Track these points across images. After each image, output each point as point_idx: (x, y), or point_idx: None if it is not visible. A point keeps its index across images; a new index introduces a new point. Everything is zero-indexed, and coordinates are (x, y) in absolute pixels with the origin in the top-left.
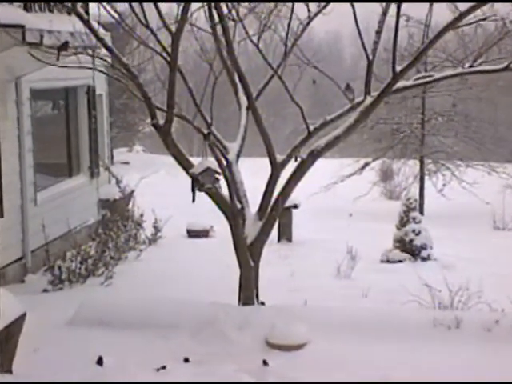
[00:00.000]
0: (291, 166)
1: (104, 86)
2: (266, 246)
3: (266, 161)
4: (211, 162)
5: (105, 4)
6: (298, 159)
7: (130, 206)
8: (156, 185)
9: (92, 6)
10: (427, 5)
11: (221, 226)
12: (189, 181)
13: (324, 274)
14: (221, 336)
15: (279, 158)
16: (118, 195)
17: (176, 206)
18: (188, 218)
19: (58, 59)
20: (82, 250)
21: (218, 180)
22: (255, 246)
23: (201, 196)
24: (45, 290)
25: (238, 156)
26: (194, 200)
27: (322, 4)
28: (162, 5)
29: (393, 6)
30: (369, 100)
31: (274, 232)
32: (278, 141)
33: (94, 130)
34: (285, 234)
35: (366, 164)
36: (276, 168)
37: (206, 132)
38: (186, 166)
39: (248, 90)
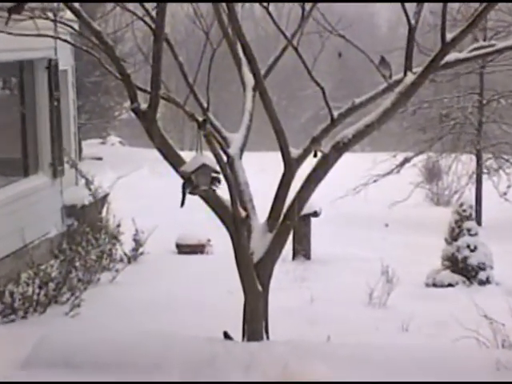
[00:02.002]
0: (309, 163)
1: (69, 60)
2: (277, 265)
3: (278, 156)
4: (207, 158)
5: None
6: (319, 154)
7: (104, 213)
8: (137, 186)
9: None
10: None
11: (220, 238)
12: (179, 181)
13: (352, 301)
14: (221, 379)
15: (294, 152)
16: (88, 200)
17: (163, 214)
18: (178, 228)
19: (7, 23)
20: (41, 271)
21: (216, 180)
22: (264, 264)
23: (194, 200)
24: None
25: (241, 150)
26: (182, 204)
27: None
28: None
29: None
30: (410, 77)
31: (288, 247)
32: (293, 130)
33: (56, 117)
34: (301, 250)
35: (407, 160)
36: (290, 165)
37: (200, 119)
38: (175, 162)
39: (255, 66)
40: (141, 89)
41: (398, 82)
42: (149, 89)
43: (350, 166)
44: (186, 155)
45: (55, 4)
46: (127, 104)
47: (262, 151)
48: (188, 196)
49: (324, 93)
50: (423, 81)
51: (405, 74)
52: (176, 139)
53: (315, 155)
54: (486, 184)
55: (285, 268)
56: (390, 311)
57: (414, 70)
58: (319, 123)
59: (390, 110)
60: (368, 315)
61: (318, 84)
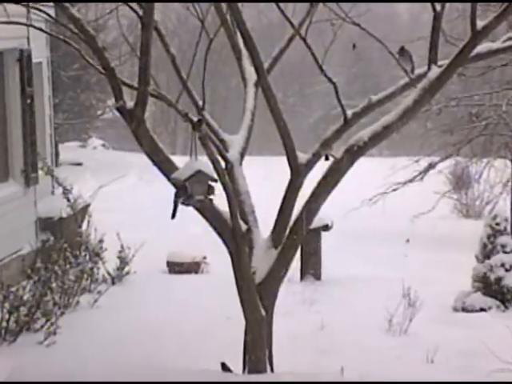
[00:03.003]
0: (320, 169)
1: (45, 51)
2: (283, 286)
3: (283, 161)
4: (203, 164)
5: None
6: (330, 159)
7: (84, 227)
8: (122, 196)
9: None
10: None
11: (217, 256)
12: (171, 190)
13: (369, 327)
14: None
15: (302, 156)
16: (66, 211)
17: (152, 227)
18: (169, 244)
19: None
20: (10, 293)
21: (213, 189)
22: (268, 285)
23: (188, 212)
24: None
25: (242, 154)
26: (173, 216)
27: None
28: None
29: None
30: (435, 71)
31: (295, 265)
32: (301, 132)
33: (29, 116)
34: (310, 269)
35: (431, 166)
36: (297, 172)
37: (195, 119)
38: (166, 168)
39: (257, 58)
40: (127, 84)
41: (421, 76)
42: (136, 84)
43: (366, 173)
44: (179, 160)
45: None
46: (111, 102)
47: (265, 156)
48: (181, 207)
49: (336, 89)
50: (450, 75)
51: (429, 68)
52: (167, 142)
53: (326, 160)
54: None
55: (291, 289)
56: (412, 339)
57: (440, 62)
58: (330, 124)
59: (411, 108)
60: (387, 344)
61: (329, 79)
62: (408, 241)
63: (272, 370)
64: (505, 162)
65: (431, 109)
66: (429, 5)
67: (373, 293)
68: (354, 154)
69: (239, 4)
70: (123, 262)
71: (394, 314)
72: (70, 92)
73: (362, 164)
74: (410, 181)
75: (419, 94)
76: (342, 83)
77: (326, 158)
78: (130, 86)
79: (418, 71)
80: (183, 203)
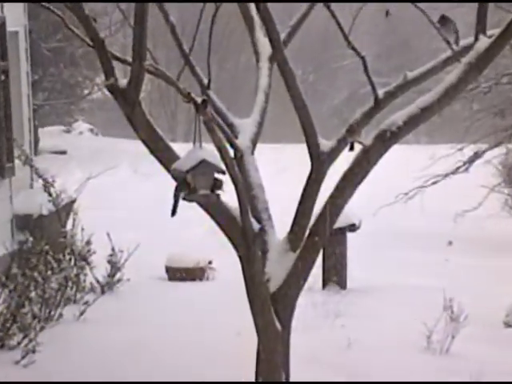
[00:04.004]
0: (345, 159)
1: (21, 19)
2: (302, 296)
3: (303, 149)
4: (208, 152)
5: None
6: (358, 147)
7: (69, 226)
8: (114, 190)
9: None
10: None
11: (225, 260)
12: (170, 183)
13: (404, 345)
14: None
15: (325, 144)
16: (48, 208)
17: (148, 227)
18: (169, 246)
19: None
20: None
21: (220, 182)
22: (284, 295)
23: (191, 209)
24: None
25: (254, 141)
26: (173, 213)
27: None
28: None
29: None
30: (484, 43)
31: (316, 271)
32: (324, 115)
33: (3, 96)
34: (334, 276)
35: (477, 155)
36: (319, 162)
37: (199, 100)
38: (165, 158)
39: (272, 29)
40: (119, 59)
41: (467, 48)
42: (129, 59)
43: (401, 164)
44: (180, 149)
45: None
46: (100, 79)
47: (281, 143)
48: (182, 204)
49: (365, 64)
50: (502, 47)
51: (476, 38)
52: (166, 128)
53: (352, 148)
54: None
55: (312, 300)
56: (455, 360)
57: (489, 32)
58: (358, 105)
59: (455, 86)
60: (425, 365)
61: (356, 52)
62: (450, 243)
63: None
64: None
65: (479, 87)
66: None
67: (408, 304)
68: (386, 140)
69: None
70: (114, 267)
71: (434, 330)
72: (51, 67)
73: (396, 153)
74: (453, 173)
75: (464, 69)
76: (373, 57)
77: (351, 147)
78: (123, 61)
79: (462, 42)
80: (185, 199)
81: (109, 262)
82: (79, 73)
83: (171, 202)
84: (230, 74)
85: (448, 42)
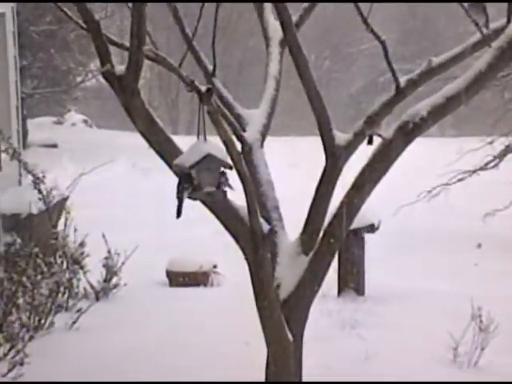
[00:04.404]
0: (363, 153)
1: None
2: (315, 304)
3: (317, 143)
4: (214, 146)
5: None
6: (377, 140)
7: (60, 226)
8: (110, 187)
9: None
10: None
11: (231, 263)
12: (172, 180)
13: (428, 357)
14: None
15: (341, 137)
16: (37, 207)
17: (147, 228)
18: (170, 249)
19: None
20: None
21: (226, 178)
22: (296, 302)
23: (195, 208)
24: None
25: (263, 134)
26: (179, 215)
27: None
28: None
29: None
30: None
31: (332, 277)
32: (339, 105)
33: None
34: (351, 281)
35: (509, 148)
36: (335, 156)
37: (203, 88)
38: (166, 152)
39: (283, 10)
40: (115, 43)
41: (498, 32)
42: (127, 43)
43: (424, 158)
44: (183, 142)
45: None
46: (95, 65)
47: (292, 136)
48: (186, 202)
49: (385, 49)
50: None
51: (508, 21)
52: (167, 119)
53: (370, 142)
54: None
55: (326, 308)
56: (484, 374)
57: None
58: (377, 94)
59: (484, 74)
60: (451, 380)
61: (376, 36)
62: (479, 246)
63: None
64: None
65: (511, 74)
66: None
67: (432, 313)
68: (408, 133)
69: None
70: (110, 271)
71: (461, 341)
72: (41, 52)
73: (419, 146)
74: (482, 168)
75: (495, 54)
76: (394, 42)
77: (370, 141)
78: (120, 46)
79: (493, 25)
80: (189, 197)
81: (104, 265)
82: (72, 58)
83: (173, 200)
84: (237, 60)
85: (477, 25)
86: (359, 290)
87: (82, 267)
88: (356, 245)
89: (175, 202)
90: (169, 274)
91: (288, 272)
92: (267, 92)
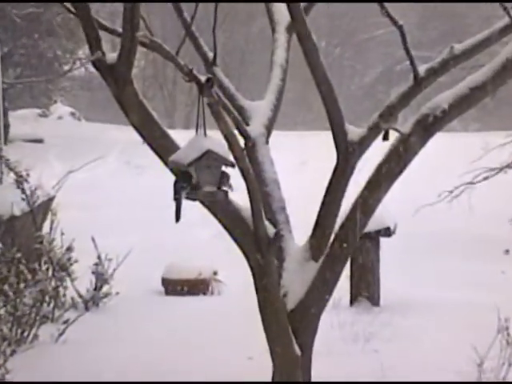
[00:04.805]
0: (378, 150)
1: None
2: (325, 314)
3: (327, 137)
4: (214, 142)
5: None
6: (394, 135)
7: (46, 229)
8: (101, 186)
9: None
10: None
11: (233, 270)
12: (169, 178)
13: (449, 373)
14: None
15: (354, 131)
16: (20, 208)
17: (141, 230)
18: (166, 254)
19: None
20: None
21: (227, 177)
22: (304, 313)
23: (193, 209)
24: None
25: (268, 128)
26: (178, 218)
27: None
28: None
29: None
30: None
31: (344, 285)
32: (353, 96)
33: None
34: (365, 290)
35: None
36: (347, 152)
37: (203, 78)
38: (162, 147)
39: None
40: (107, 28)
41: None
42: (119, 29)
43: (445, 155)
44: (180, 137)
45: None
46: (84, 53)
47: (300, 130)
48: (184, 202)
49: (403, 35)
50: None
51: None
52: (163, 111)
53: (386, 137)
54: None
55: (338, 319)
56: None
57: None
58: (393, 84)
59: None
60: None
61: (393, 21)
62: (507, 252)
63: None
64: None
65: None
66: None
67: (454, 325)
68: (428, 127)
69: None
70: (101, 279)
71: (486, 356)
72: (24, 38)
73: (439, 142)
74: (509, 166)
75: None
76: (412, 26)
77: (385, 136)
78: (111, 31)
79: None
80: (187, 197)
81: (94, 272)
82: (58, 45)
83: (170, 200)
84: (240, 47)
85: (505, 8)
86: (374, 300)
87: (69, 274)
88: (370, 250)
89: (172, 203)
90: (165, 281)
91: (295, 279)
92: (273, 82)
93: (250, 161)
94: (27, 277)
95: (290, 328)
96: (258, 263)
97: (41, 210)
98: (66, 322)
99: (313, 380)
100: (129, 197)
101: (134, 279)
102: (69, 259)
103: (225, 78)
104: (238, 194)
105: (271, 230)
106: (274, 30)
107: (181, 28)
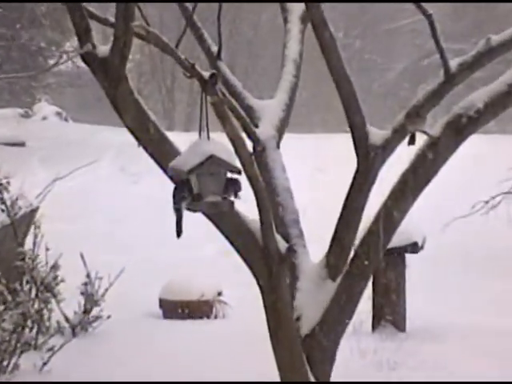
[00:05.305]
0: (404, 154)
1: None
2: (344, 340)
3: (346, 141)
4: (218, 146)
5: None
6: (422, 138)
7: (28, 245)
8: (91, 196)
9: None
10: None
11: (240, 289)
12: (168, 187)
13: None
14: None
15: (376, 134)
16: (0, 220)
17: (138, 245)
18: (164, 272)
19: None
20: None
21: (234, 186)
22: (320, 339)
23: (195, 221)
24: None
25: (280, 131)
26: (179, 233)
27: None
28: None
29: None
30: None
31: (365, 307)
32: (374, 93)
33: None
34: (389, 313)
35: None
36: (368, 158)
37: (206, 74)
38: (159, 151)
39: None
40: (98, 18)
41: None
42: (112, 18)
43: (481, 160)
44: (180, 140)
45: None
46: (72, 45)
47: (316, 133)
48: (186, 214)
49: (432, 25)
50: None
51: None
52: (161, 112)
53: (413, 140)
54: None
55: (358, 346)
56: None
57: None
58: (421, 81)
59: None
60: None
61: (421, 9)
62: None
63: None
64: None
65: None
66: None
67: (489, 354)
68: (460, 129)
69: None
70: (90, 300)
71: None
72: (4, 28)
73: (473, 146)
74: None
75: None
76: (443, 16)
77: (412, 140)
78: (103, 21)
79: None
80: (188, 208)
81: (83, 293)
82: (42, 36)
83: (169, 211)
84: (248, 39)
85: None
86: (399, 324)
87: (54, 295)
88: (395, 268)
89: (172, 215)
90: (163, 303)
91: (311, 301)
92: (285, 78)
93: (259, 167)
94: (7, 298)
95: (304, 356)
96: (269, 283)
97: (23, 222)
98: (50, 349)
99: None
100: (123, 208)
101: (128, 301)
102: (54, 278)
103: (231, 73)
104: (246, 205)
105: (283, 245)
106: (286, 20)
107: (181, 17)
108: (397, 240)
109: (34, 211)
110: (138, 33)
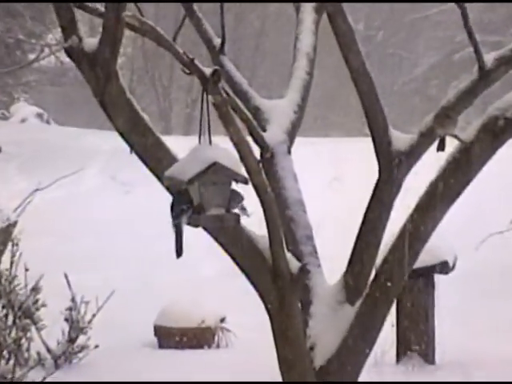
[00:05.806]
0: (432, 162)
1: None
2: (365, 373)
3: (365, 147)
4: (222, 152)
5: None
6: (453, 143)
7: (5, 264)
8: (76, 208)
9: None
10: None
11: (245, 316)
12: (165, 199)
13: None
14: None
15: (400, 138)
16: None
17: (130, 265)
18: (160, 295)
19: None
20: None
21: (239, 197)
22: (337, 371)
23: (196, 236)
24: None
25: (291, 135)
26: (179, 253)
27: None
28: None
29: None
30: None
31: (388, 335)
32: (398, 92)
33: None
34: (416, 342)
35: None
36: (391, 166)
37: (208, 71)
38: (155, 158)
39: None
40: (85, 7)
41: None
42: (101, 8)
43: None
44: (178, 145)
45: None
46: (55, 38)
47: (333, 137)
48: (187, 230)
49: (465, 15)
50: None
51: None
52: (156, 113)
53: (442, 146)
54: None
55: (381, 379)
56: None
57: None
58: (451, 78)
59: None
60: None
61: None
62: None
63: None
64: None
65: None
66: None
67: None
68: (497, 133)
69: None
70: (75, 327)
71: None
72: None
73: (511, 151)
74: None
75: None
76: (477, 5)
77: (442, 145)
78: (91, 11)
79: None
80: (188, 223)
81: (67, 319)
82: (21, 27)
83: (165, 226)
84: (254, 31)
85: None
86: (427, 355)
87: (34, 322)
88: (422, 290)
89: (169, 230)
90: (158, 330)
91: (326, 328)
92: (296, 75)
93: (268, 176)
94: None
95: None
96: (278, 307)
97: None
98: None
99: None
100: (113, 221)
101: (119, 328)
102: (34, 302)
103: (235, 70)
104: (252, 219)
105: (295, 265)
106: (298, 10)
107: (179, 7)
108: (424, 258)
109: (11, 226)
110: (131, 23)
